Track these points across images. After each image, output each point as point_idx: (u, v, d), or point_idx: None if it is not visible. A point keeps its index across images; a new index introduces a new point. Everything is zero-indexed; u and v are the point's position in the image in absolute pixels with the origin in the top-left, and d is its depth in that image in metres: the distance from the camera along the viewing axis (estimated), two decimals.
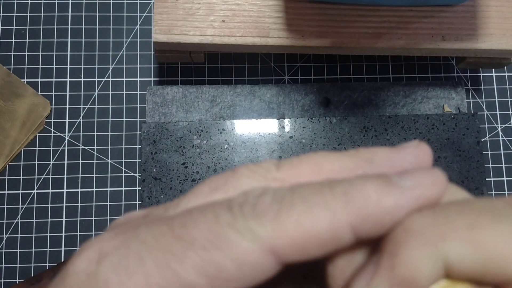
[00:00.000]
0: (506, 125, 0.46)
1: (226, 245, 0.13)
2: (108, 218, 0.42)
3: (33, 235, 0.42)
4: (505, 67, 0.47)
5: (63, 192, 0.43)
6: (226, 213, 0.14)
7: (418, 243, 0.12)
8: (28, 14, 0.45)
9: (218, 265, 0.13)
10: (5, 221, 0.42)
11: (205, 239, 0.13)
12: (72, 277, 0.14)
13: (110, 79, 0.45)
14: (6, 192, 0.42)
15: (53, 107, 0.44)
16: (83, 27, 0.46)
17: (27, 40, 0.45)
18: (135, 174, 0.43)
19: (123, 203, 0.43)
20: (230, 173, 0.16)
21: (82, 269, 0.14)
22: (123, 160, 0.44)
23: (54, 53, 0.45)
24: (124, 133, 0.44)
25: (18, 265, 0.41)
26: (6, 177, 0.43)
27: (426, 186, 0.13)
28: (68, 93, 0.44)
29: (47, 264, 0.41)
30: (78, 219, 0.42)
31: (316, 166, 0.15)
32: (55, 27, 0.45)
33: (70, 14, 0.46)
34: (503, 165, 0.46)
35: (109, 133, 0.44)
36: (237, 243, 0.13)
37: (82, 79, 0.45)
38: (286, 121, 0.44)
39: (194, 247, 0.13)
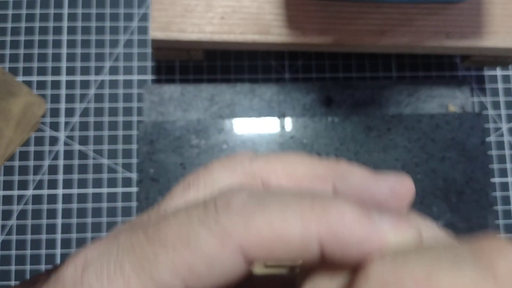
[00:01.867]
0: (511, 124, 0.46)
1: (195, 242, 0.13)
2: (104, 219, 0.42)
3: (29, 236, 0.41)
4: (510, 66, 0.47)
5: (59, 193, 0.42)
6: (199, 211, 0.14)
7: None
8: (24, 12, 0.45)
9: (188, 265, 0.13)
10: (0, 222, 0.41)
11: (175, 239, 0.14)
12: (60, 283, 0.15)
13: (107, 78, 0.45)
14: (1, 193, 0.42)
15: (48, 106, 0.44)
16: (80, 25, 0.45)
17: (23, 38, 0.44)
18: (132, 175, 0.43)
19: (119, 204, 0.42)
20: (202, 169, 0.16)
21: (69, 276, 0.15)
22: (120, 161, 0.43)
23: (50, 51, 0.44)
24: (121, 132, 0.44)
25: (14, 267, 0.41)
26: (2, 178, 0.42)
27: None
28: (64, 92, 0.44)
29: (43, 266, 0.41)
30: (75, 220, 0.42)
31: (290, 167, 0.16)
32: (52, 25, 0.45)
33: (66, 12, 0.45)
34: (508, 166, 0.45)
35: (106, 132, 0.43)
36: (205, 240, 0.13)
37: (79, 78, 0.44)
38: (287, 120, 0.43)
39: (166, 248, 0.14)
